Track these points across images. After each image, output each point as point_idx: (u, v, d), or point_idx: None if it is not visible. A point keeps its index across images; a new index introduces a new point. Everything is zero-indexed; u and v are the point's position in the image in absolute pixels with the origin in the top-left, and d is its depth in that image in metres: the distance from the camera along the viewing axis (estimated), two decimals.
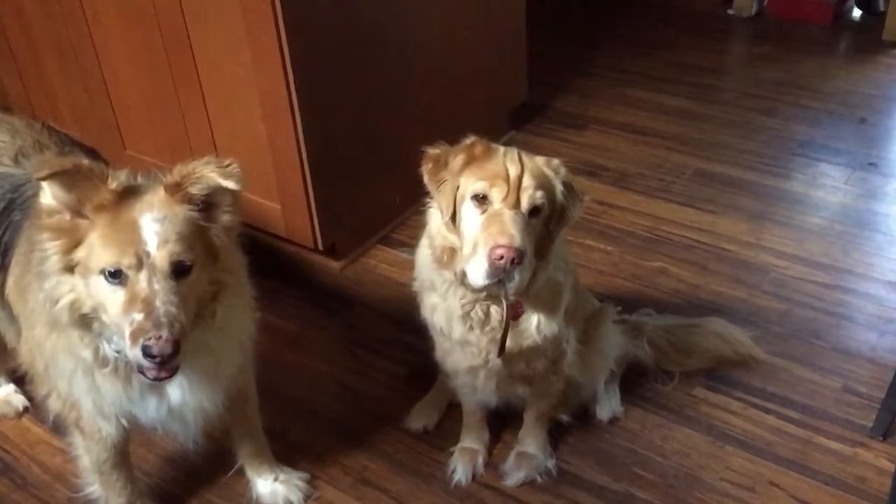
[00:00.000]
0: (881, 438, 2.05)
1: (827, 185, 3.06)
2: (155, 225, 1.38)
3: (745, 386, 2.24)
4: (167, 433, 1.79)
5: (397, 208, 2.90)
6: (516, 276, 1.56)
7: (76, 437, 1.76)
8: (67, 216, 1.40)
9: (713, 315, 2.36)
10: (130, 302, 1.36)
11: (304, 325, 2.57)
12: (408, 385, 2.30)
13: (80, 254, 1.40)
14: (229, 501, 2.03)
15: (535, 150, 3.33)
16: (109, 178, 1.40)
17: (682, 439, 2.11)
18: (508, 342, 1.70)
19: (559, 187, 1.64)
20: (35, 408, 2.19)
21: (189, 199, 1.43)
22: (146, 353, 1.35)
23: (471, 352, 1.77)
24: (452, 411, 2.17)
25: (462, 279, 1.64)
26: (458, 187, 1.62)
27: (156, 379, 1.44)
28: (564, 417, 2.11)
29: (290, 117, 2.37)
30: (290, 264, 2.79)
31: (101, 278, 1.38)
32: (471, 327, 1.72)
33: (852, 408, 2.16)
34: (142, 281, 1.37)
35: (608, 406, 2.17)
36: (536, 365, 1.83)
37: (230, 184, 1.43)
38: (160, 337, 1.34)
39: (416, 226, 2.90)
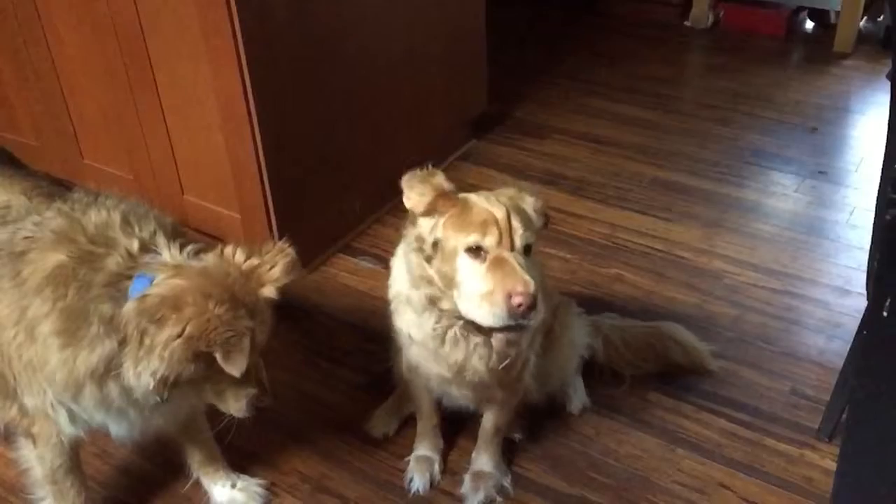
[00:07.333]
0: (827, 440, 2.11)
1: (778, 193, 3.14)
2: None
3: (697, 390, 2.29)
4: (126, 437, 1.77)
5: (357, 217, 2.91)
6: (536, 316, 1.55)
7: (27, 447, 1.75)
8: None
9: (668, 321, 2.40)
10: None
11: None
12: (367, 393, 2.31)
13: None
14: None
15: (495, 158, 3.43)
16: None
17: (636, 443, 2.15)
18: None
19: (540, 220, 1.67)
20: None
21: None
22: None
23: (446, 366, 1.75)
24: (412, 419, 2.19)
25: (453, 314, 1.63)
26: (437, 240, 1.60)
27: None
28: (517, 436, 2.14)
29: (249, 126, 2.38)
30: None
31: None
32: (443, 343, 1.71)
33: (800, 410, 2.21)
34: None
35: (577, 399, 2.21)
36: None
37: None
38: None
39: (376, 234, 2.93)
